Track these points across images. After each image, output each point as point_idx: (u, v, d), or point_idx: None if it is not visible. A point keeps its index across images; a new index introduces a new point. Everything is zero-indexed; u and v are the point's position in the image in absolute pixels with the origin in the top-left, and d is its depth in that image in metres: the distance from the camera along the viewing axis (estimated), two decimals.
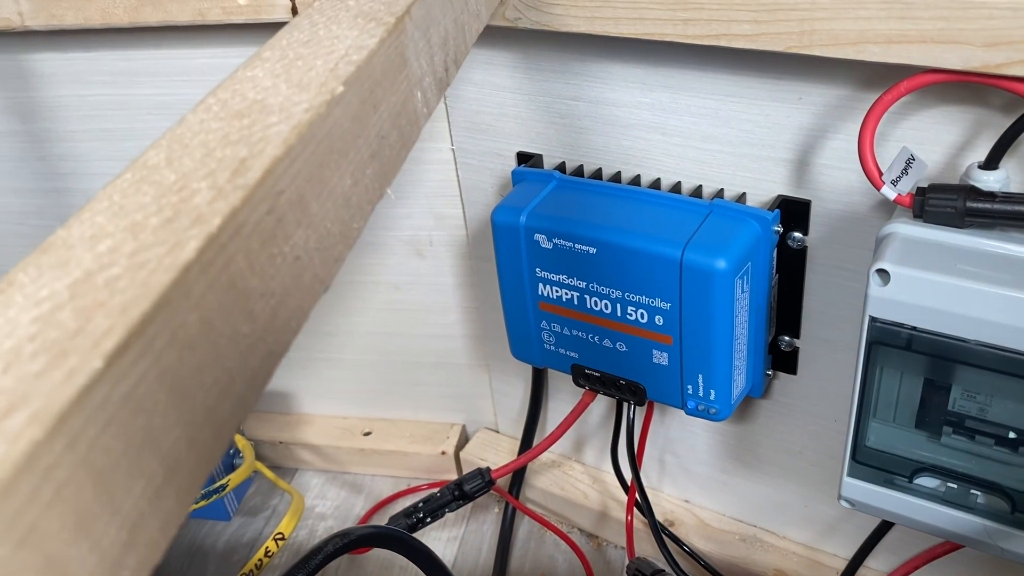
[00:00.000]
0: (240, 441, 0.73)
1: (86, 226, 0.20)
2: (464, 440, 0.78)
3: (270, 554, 0.61)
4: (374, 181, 0.28)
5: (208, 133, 0.23)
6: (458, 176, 0.64)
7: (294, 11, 0.55)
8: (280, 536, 0.62)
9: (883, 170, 0.43)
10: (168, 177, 0.21)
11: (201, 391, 0.19)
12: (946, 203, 0.41)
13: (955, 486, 0.44)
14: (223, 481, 0.67)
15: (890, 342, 0.42)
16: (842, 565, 0.59)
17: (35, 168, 0.71)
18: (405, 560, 0.70)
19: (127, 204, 0.21)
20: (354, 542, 0.45)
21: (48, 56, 0.65)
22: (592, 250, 0.51)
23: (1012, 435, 0.41)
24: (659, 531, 0.60)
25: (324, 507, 0.77)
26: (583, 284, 0.53)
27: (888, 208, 0.47)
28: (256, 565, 0.60)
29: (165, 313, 0.18)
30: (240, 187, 0.21)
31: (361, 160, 0.27)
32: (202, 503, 0.64)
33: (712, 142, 0.51)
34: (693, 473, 0.67)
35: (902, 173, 0.43)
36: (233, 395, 0.20)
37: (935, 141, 0.44)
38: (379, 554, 0.71)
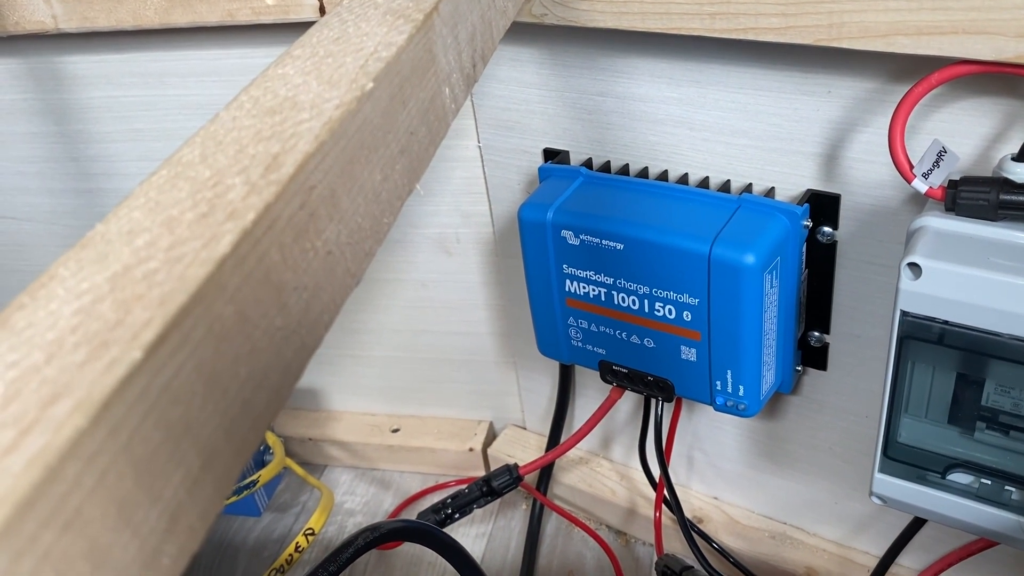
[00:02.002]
0: (270, 437, 0.73)
1: (123, 222, 0.20)
2: (492, 437, 0.79)
3: (300, 549, 0.61)
4: (403, 177, 0.28)
5: (241, 130, 0.24)
6: (485, 173, 0.64)
7: (322, 10, 0.55)
8: (310, 532, 0.62)
9: (914, 163, 0.42)
10: (203, 173, 0.22)
11: (237, 383, 0.19)
12: (979, 196, 0.40)
13: (989, 482, 0.43)
14: (253, 477, 0.67)
15: (922, 337, 0.41)
16: (873, 563, 0.58)
17: (68, 169, 0.72)
18: (434, 556, 0.71)
19: (163, 200, 0.21)
20: (384, 536, 0.45)
21: (80, 58, 0.66)
22: (619, 246, 0.51)
23: None
24: (688, 528, 0.60)
25: (353, 503, 0.78)
26: (610, 280, 0.53)
27: (919, 202, 0.46)
28: (286, 560, 0.60)
29: (202, 306, 0.18)
30: (273, 182, 0.21)
31: (390, 156, 0.27)
32: (233, 499, 0.65)
33: (740, 136, 0.51)
34: (722, 470, 0.67)
35: (933, 166, 0.42)
36: (268, 387, 0.20)
37: (967, 133, 0.43)
38: (408, 549, 0.72)
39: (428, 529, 0.47)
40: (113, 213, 0.21)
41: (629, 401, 0.68)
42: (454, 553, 0.48)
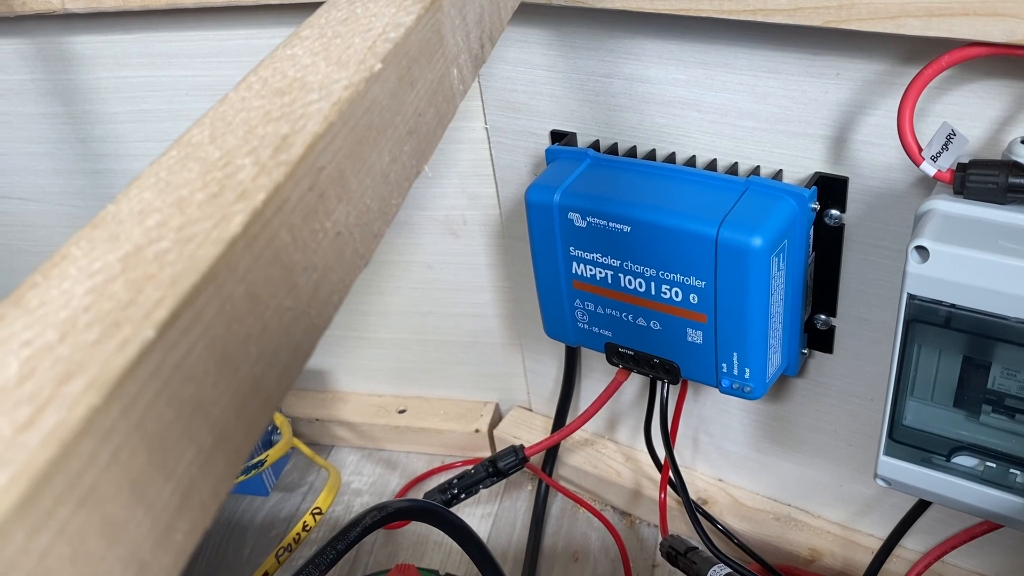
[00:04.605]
0: (278, 418, 0.74)
1: (134, 202, 0.20)
2: (497, 418, 0.79)
3: (308, 528, 0.62)
4: (411, 158, 0.28)
5: (250, 111, 0.24)
6: (491, 155, 0.64)
7: None
8: (318, 511, 0.63)
9: (922, 146, 0.42)
10: (212, 154, 0.22)
11: (248, 362, 0.19)
12: (988, 179, 0.40)
13: (994, 465, 0.44)
14: (261, 457, 0.68)
15: (928, 320, 0.42)
16: (877, 545, 0.59)
17: (76, 149, 0.72)
18: (439, 536, 0.71)
19: (173, 180, 0.21)
20: (392, 515, 0.46)
21: (88, 39, 0.66)
22: (626, 228, 0.51)
23: None
24: (693, 509, 0.60)
25: (360, 483, 0.78)
26: (617, 263, 0.53)
27: (927, 185, 0.46)
28: (294, 539, 0.61)
29: (213, 286, 0.18)
30: (283, 163, 0.21)
31: (399, 137, 0.27)
32: (241, 478, 0.65)
33: (748, 119, 0.51)
34: (727, 452, 0.67)
35: (942, 149, 0.42)
36: (278, 366, 0.20)
37: (976, 116, 0.43)
38: (414, 528, 0.72)
39: (435, 509, 0.48)
40: (124, 193, 0.21)
41: (634, 384, 0.68)
42: (461, 532, 0.48)
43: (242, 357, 0.19)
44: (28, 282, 0.18)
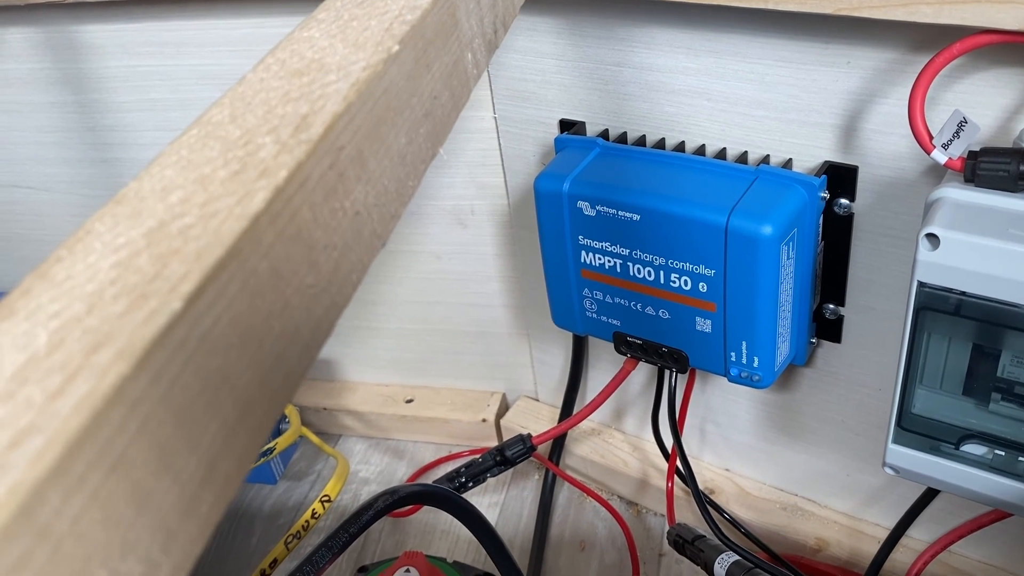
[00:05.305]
0: (286, 406, 0.74)
1: (156, 179, 0.21)
2: (504, 408, 0.79)
3: (316, 516, 0.62)
4: (427, 140, 0.28)
5: (269, 91, 0.24)
6: (500, 145, 0.64)
7: None
8: (326, 498, 0.63)
9: (933, 134, 0.42)
10: (233, 133, 0.22)
11: (271, 337, 0.19)
12: (999, 167, 0.40)
13: (1003, 453, 0.44)
14: (270, 445, 0.68)
15: (938, 307, 0.42)
16: (884, 535, 0.59)
17: (85, 138, 0.72)
18: (447, 523, 0.72)
19: (195, 158, 0.21)
20: (403, 499, 0.46)
21: (97, 27, 0.66)
22: (636, 217, 0.51)
23: None
24: (701, 497, 0.60)
25: (368, 472, 0.78)
26: (626, 251, 0.53)
27: (937, 175, 0.46)
28: (303, 527, 0.61)
29: (237, 260, 0.18)
30: (303, 142, 0.21)
31: (415, 119, 0.27)
32: None
33: (758, 108, 0.51)
34: (734, 442, 0.67)
35: (953, 136, 0.42)
36: (299, 343, 0.20)
37: (988, 104, 0.43)
38: (422, 518, 0.72)
39: (446, 493, 0.48)
40: (146, 171, 0.21)
41: (642, 374, 0.68)
42: (471, 517, 0.48)
43: (265, 332, 0.19)
44: (53, 256, 0.18)
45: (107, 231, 0.19)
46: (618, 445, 0.73)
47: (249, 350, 0.18)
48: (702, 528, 0.59)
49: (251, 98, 0.24)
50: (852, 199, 0.50)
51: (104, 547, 0.15)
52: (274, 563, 0.58)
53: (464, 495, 0.61)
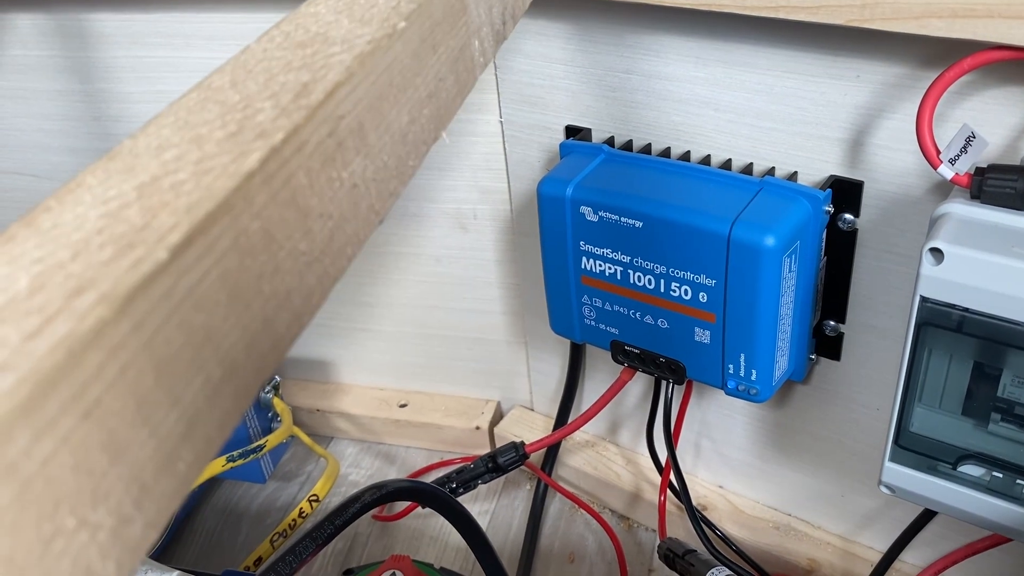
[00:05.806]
0: (278, 404, 0.73)
1: (152, 138, 0.20)
2: (499, 416, 0.79)
3: (304, 515, 0.61)
4: (430, 122, 0.28)
5: (271, 60, 0.24)
6: (505, 149, 0.64)
7: None
8: (314, 498, 0.62)
9: (940, 149, 0.42)
10: (232, 97, 0.22)
11: (260, 299, 0.19)
12: (1006, 184, 0.40)
13: (1001, 475, 0.43)
14: (260, 442, 0.67)
15: (940, 323, 0.41)
16: (877, 558, 0.58)
17: (91, 128, 0.72)
18: (436, 529, 0.71)
19: (192, 119, 0.21)
20: (390, 494, 0.45)
21: (106, 16, 0.66)
22: (638, 224, 0.51)
23: None
24: (693, 511, 0.60)
25: (358, 475, 0.78)
26: (627, 258, 0.53)
27: (942, 192, 0.46)
28: (290, 525, 0.60)
29: (228, 216, 0.18)
30: (303, 107, 0.21)
31: (419, 98, 0.27)
32: (239, 462, 0.65)
33: (765, 119, 0.50)
34: (729, 458, 0.66)
35: (961, 151, 0.42)
36: (290, 309, 0.20)
37: (996, 122, 0.43)
38: (410, 523, 0.72)
39: (435, 491, 0.47)
40: (142, 130, 0.21)
41: (638, 387, 0.68)
42: (460, 518, 0.48)
43: (254, 293, 0.19)
44: (42, 206, 0.18)
45: (98, 184, 0.19)
46: (612, 458, 0.72)
47: (236, 310, 0.18)
48: (693, 543, 0.59)
49: (253, 66, 0.23)
50: (856, 214, 0.50)
51: (75, 494, 0.14)
52: (259, 560, 0.57)
53: None
